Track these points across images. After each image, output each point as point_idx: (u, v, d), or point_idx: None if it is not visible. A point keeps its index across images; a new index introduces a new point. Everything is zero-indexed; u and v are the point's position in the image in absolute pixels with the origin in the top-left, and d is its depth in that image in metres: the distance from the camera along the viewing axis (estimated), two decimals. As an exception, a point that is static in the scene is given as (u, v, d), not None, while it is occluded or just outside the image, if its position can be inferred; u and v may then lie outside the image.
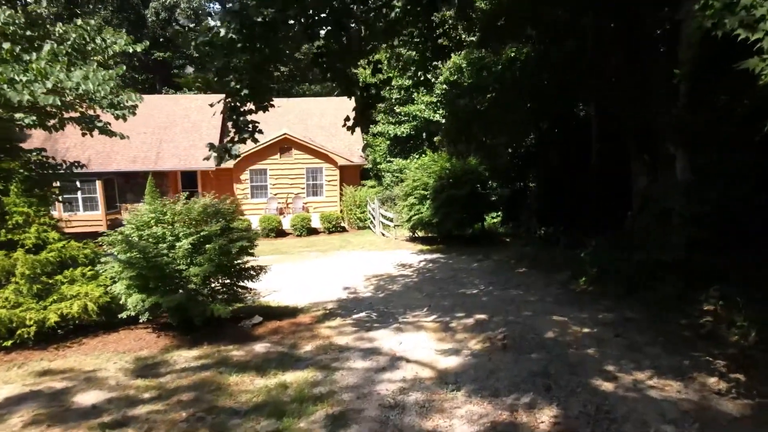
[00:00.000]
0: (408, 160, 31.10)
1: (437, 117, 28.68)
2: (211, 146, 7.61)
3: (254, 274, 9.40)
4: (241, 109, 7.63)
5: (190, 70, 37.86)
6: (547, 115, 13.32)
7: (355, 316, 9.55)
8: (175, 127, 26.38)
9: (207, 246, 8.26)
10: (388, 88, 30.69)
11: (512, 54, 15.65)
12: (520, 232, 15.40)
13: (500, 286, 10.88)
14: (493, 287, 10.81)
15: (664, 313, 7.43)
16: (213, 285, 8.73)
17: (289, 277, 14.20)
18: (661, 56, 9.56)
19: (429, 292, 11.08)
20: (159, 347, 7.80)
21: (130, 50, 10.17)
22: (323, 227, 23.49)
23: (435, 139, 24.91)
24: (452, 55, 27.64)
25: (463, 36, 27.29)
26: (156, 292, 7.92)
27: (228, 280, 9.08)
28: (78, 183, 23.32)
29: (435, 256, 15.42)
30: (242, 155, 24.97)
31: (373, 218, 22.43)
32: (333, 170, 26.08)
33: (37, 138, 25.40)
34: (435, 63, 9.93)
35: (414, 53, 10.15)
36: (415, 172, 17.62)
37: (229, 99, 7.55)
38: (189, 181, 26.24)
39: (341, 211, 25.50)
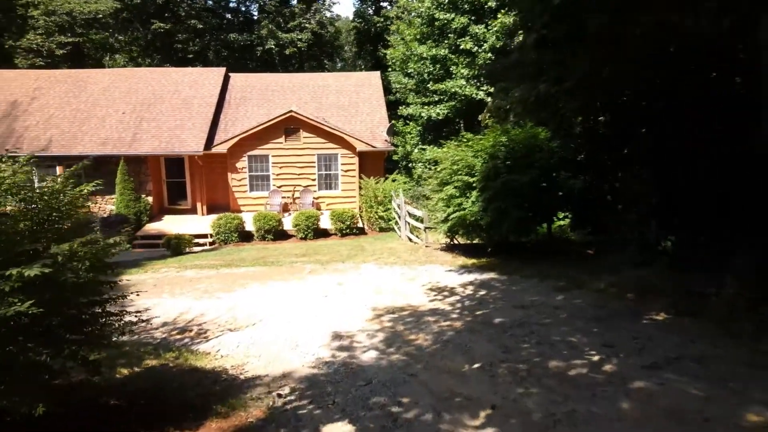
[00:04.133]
0: (444, 148, 25.62)
1: (481, 95, 23.20)
2: None
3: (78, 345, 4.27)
4: None
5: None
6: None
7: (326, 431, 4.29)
8: (160, 104, 21.64)
9: None
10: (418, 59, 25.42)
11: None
12: (619, 240, 9.81)
13: (636, 358, 5.35)
14: (619, 360, 5.32)
15: None
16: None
17: (263, 306, 9.22)
18: None
19: (486, 358, 5.72)
20: None
21: None
22: (335, 228, 18.32)
23: (480, 116, 19.44)
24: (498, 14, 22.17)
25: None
26: None
27: None
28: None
29: (486, 276, 10.00)
30: (238, 137, 20.07)
31: (399, 218, 17.15)
32: (351, 157, 20.88)
33: (-6, 115, 21.14)
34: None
35: None
36: (455, 151, 12.20)
37: None
38: (177, 168, 21.47)
39: (359, 209, 20.27)
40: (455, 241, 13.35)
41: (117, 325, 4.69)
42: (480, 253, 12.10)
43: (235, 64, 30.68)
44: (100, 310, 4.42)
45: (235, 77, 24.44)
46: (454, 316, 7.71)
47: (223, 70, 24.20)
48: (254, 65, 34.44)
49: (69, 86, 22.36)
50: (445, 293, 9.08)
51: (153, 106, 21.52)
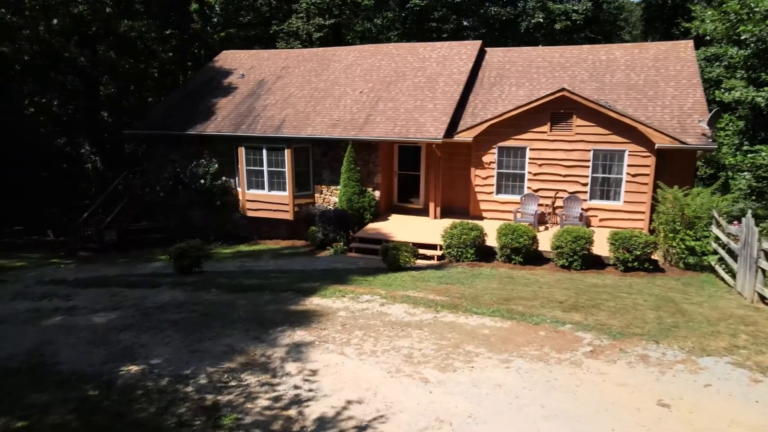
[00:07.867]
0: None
1: None
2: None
3: None
4: None
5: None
6: None
7: None
8: (402, 82, 18.22)
9: None
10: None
11: None
12: None
13: None
14: None
15: None
16: None
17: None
18: None
19: None
20: None
21: None
22: (614, 257, 12.31)
23: None
24: None
25: None
26: None
27: None
28: (264, 151, 17.02)
29: None
30: (487, 122, 15.42)
31: (729, 254, 10.43)
32: (644, 156, 14.47)
33: (240, 94, 20.34)
34: None
35: None
36: None
37: None
38: (410, 158, 17.84)
39: (653, 232, 13.72)
40: None
41: None
42: None
43: (492, 45, 26.15)
44: None
45: (491, 52, 19.80)
46: None
47: (478, 43, 19.75)
48: (515, 45, 29.39)
49: (314, 65, 20.54)
50: None
51: (393, 85, 18.20)
